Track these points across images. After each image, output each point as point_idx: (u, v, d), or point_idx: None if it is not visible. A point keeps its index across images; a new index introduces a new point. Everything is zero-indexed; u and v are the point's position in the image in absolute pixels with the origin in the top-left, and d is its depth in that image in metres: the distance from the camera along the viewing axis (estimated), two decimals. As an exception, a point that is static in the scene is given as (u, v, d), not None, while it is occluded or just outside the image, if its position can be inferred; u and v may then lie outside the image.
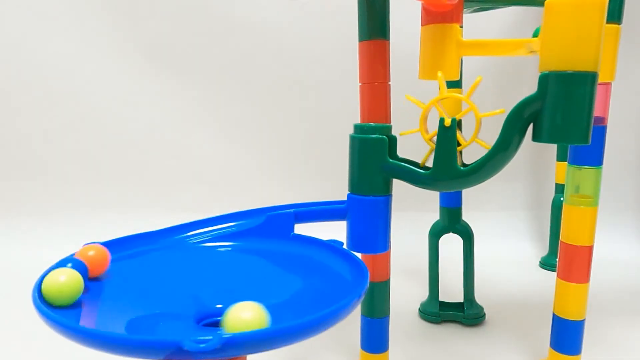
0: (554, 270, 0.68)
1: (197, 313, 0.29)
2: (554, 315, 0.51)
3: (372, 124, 0.36)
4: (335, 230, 0.45)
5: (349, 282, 0.32)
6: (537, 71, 0.33)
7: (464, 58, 0.45)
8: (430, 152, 0.36)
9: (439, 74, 0.36)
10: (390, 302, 0.52)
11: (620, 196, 1.02)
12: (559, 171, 0.89)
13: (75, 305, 0.28)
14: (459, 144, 0.35)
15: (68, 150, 1.01)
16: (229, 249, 0.38)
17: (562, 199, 0.61)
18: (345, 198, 0.38)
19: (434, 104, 0.36)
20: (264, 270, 0.36)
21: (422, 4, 0.41)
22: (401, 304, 0.70)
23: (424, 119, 0.37)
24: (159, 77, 1.00)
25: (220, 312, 0.31)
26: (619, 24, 0.45)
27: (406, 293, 0.75)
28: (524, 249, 0.98)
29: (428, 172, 0.35)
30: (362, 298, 0.29)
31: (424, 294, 0.69)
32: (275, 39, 0.99)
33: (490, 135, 0.35)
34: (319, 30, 0.98)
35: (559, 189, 0.89)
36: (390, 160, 0.36)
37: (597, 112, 0.47)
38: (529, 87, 0.33)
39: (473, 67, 0.80)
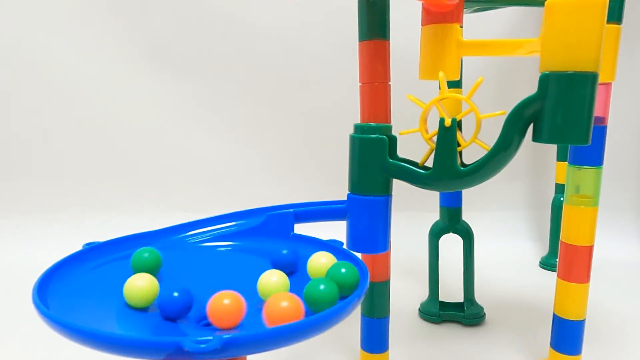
0: (554, 270, 0.68)
1: (197, 313, 0.29)
2: (554, 315, 0.51)
3: (372, 124, 0.36)
4: (335, 230, 0.45)
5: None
6: (537, 71, 0.33)
7: (464, 58, 0.45)
8: (430, 152, 0.36)
9: (440, 73, 0.36)
10: (390, 302, 0.52)
11: (620, 196, 1.02)
12: (559, 171, 0.89)
13: (74, 305, 0.28)
14: (458, 145, 0.35)
15: (68, 150, 1.01)
16: (229, 248, 0.38)
17: (562, 199, 0.61)
18: (345, 198, 0.38)
19: (434, 104, 0.36)
20: (263, 270, 0.36)
21: (422, 4, 0.41)
22: (401, 304, 0.70)
23: (424, 118, 0.37)
24: (159, 77, 1.00)
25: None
26: (619, 24, 0.45)
27: (406, 293, 0.75)
28: (524, 249, 0.98)
29: (428, 172, 0.35)
30: (362, 298, 0.29)
31: (424, 294, 0.69)
32: (275, 39, 0.99)
33: (490, 136, 0.35)
34: (319, 30, 0.98)
35: (559, 189, 0.89)
36: (390, 160, 0.36)
37: (597, 112, 0.47)
38: (529, 87, 0.33)
39: (473, 67, 0.80)
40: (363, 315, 0.52)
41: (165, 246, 0.38)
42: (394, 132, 0.37)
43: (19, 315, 0.62)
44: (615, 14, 0.45)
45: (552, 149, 0.94)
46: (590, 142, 0.32)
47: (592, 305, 0.53)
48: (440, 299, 0.67)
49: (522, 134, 0.33)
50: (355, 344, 0.57)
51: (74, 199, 1.01)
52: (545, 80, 0.32)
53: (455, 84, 0.61)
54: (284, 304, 0.26)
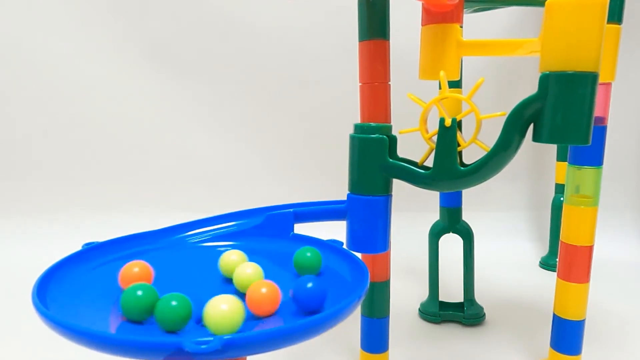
0: (554, 270, 0.68)
1: (197, 313, 0.29)
2: (554, 315, 0.51)
3: (372, 124, 0.36)
4: (335, 230, 0.45)
5: (349, 282, 0.32)
6: (538, 71, 0.33)
7: (464, 58, 0.45)
8: (430, 152, 0.36)
9: (442, 73, 0.36)
10: (390, 302, 0.52)
11: (620, 196, 1.02)
12: (559, 171, 0.89)
13: (74, 305, 0.28)
14: (458, 145, 0.35)
15: (68, 150, 1.01)
16: (229, 248, 0.38)
17: (562, 199, 0.61)
18: (345, 198, 0.38)
19: (435, 104, 0.36)
20: (263, 270, 0.36)
21: (422, 4, 0.41)
22: (401, 304, 0.70)
23: (424, 118, 0.37)
24: (159, 77, 1.00)
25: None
26: (619, 24, 0.45)
27: (406, 293, 0.75)
28: (524, 249, 0.98)
29: (428, 172, 0.35)
30: (363, 298, 0.29)
31: (424, 294, 0.69)
32: (275, 39, 0.99)
33: (490, 136, 0.35)
34: (319, 30, 0.98)
35: (559, 189, 0.89)
36: (390, 160, 0.36)
37: (597, 112, 0.47)
38: (529, 87, 0.33)
39: (473, 67, 0.80)
40: (363, 315, 0.52)
41: (165, 246, 0.38)
42: (393, 132, 0.37)
43: (19, 315, 0.62)
44: (615, 14, 0.45)
45: (552, 149, 0.94)
46: (590, 142, 0.32)
47: (592, 305, 0.53)
48: (440, 299, 0.67)
49: (522, 134, 0.33)
50: (355, 344, 0.57)
51: (74, 199, 1.01)
52: (545, 80, 0.32)
53: (455, 84, 0.61)
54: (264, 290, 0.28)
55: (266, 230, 0.39)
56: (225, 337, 0.21)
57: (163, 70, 1.00)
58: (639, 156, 1.03)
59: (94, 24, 0.97)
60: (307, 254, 0.33)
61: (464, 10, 0.52)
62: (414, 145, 0.42)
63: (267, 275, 0.35)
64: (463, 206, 0.66)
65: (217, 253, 0.38)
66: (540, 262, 0.92)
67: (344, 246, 0.37)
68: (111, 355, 0.22)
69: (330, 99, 1.00)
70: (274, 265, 0.36)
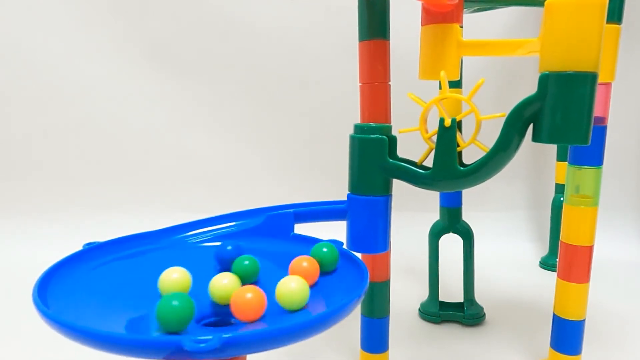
0: (554, 270, 0.69)
1: (197, 313, 0.29)
2: (554, 315, 0.51)
3: (372, 124, 0.36)
4: (335, 230, 0.45)
5: (348, 282, 0.32)
6: (537, 71, 0.33)
7: (464, 58, 0.45)
8: (429, 152, 0.36)
9: (442, 73, 0.36)
10: (390, 302, 0.52)
11: (620, 196, 1.02)
12: (559, 171, 0.89)
13: (75, 305, 0.28)
14: (458, 145, 0.35)
15: (68, 150, 1.01)
16: (229, 248, 0.38)
17: (562, 199, 0.61)
18: (345, 198, 0.38)
19: (435, 104, 0.36)
20: (263, 270, 0.36)
21: (422, 4, 0.41)
22: (401, 304, 0.70)
23: (424, 118, 0.37)
24: (159, 77, 1.00)
25: (220, 312, 0.31)
26: (619, 24, 0.45)
27: (406, 293, 0.75)
28: (524, 249, 0.98)
29: (428, 172, 0.35)
30: (362, 298, 0.29)
31: (424, 294, 0.69)
32: (275, 39, 0.99)
33: (490, 136, 0.35)
34: (319, 30, 0.98)
35: (559, 189, 0.89)
36: (390, 160, 0.36)
37: (597, 112, 0.47)
38: (529, 88, 0.33)
39: (473, 68, 0.80)
40: (363, 315, 0.52)
41: (165, 246, 0.38)
42: (393, 132, 0.37)
43: (19, 315, 0.62)
44: (615, 14, 0.45)
45: (552, 149, 0.94)
46: (590, 142, 0.32)
47: (592, 305, 0.53)
48: (440, 299, 0.67)
49: (522, 134, 0.33)
50: (355, 344, 0.57)
51: (74, 199, 1.01)
52: (545, 80, 0.32)
53: (455, 84, 0.61)
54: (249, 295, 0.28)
55: (266, 230, 0.39)
56: (224, 336, 0.21)
57: (163, 70, 1.00)
58: (639, 156, 1.03)
59: (94, 24, 0.97)
60: (324, 249, 0.34)
61: (464, 10, 0.52)
62: (414, 145, 0.42)
63: (266, 276, 0.35)
64: (463, 206, 0.66)
65: (217, 253, 0.38)
66: (540, 262, 0.92)
67: (344, 246, 0.37)
68: (111, 354, 0.22)
69: (330, 99, 1.00)
70: (273, 265, 0.36)
